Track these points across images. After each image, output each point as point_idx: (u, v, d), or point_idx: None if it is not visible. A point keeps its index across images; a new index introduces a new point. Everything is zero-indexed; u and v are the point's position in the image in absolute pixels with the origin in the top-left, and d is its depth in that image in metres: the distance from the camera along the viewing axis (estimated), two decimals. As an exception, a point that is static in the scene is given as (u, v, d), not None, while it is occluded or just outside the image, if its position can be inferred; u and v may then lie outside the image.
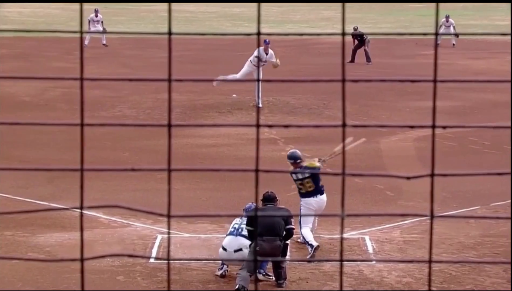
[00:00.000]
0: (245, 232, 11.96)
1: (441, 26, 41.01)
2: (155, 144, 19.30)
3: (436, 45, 2.63)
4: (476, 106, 25.12)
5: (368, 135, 20.27)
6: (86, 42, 38.12)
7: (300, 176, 12.94)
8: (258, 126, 2.37)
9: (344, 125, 2.25)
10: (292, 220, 12.08)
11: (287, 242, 12.01)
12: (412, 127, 2.20)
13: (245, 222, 12.03)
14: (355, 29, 35.36)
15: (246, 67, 24.35)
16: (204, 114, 23.60)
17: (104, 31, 37.41)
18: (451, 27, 40.66)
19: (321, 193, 13.04)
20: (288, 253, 12.44)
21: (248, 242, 11.91)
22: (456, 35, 40.28)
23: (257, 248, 11.36)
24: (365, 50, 34.51)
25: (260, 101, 24.28)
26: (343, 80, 2.31)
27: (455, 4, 60.29)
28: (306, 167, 12.98)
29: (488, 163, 18.25)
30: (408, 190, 15.85)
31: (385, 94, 26.55)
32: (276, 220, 11.93)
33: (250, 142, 19.86)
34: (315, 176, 12.83)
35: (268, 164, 17.47)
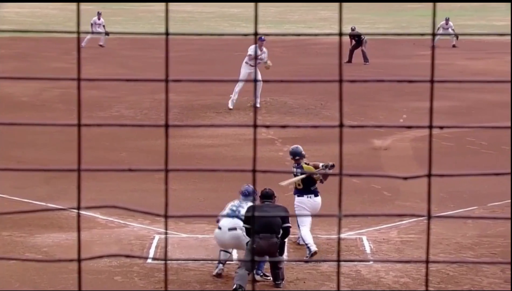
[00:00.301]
0: (242, 215, 11.96)
1: (439, 28, 40.94)
2: (153, 144, 19.29)
3: (433, 46, 2.63)
4: (474, 106, 25.13)
5: (366, 136, 20.29)
6: (83, 43, 38.14)
7: (294, 172, 13.13)
8: (255, 126, 2.38)
9: (341, 125, 2.25)
10: (289, 218, 12.10)
11: (284, 240, 12.01)
12: (409, 127, 2.20)
13: (242, 205, 12.09)
14: (352, 29, 35.36)
15: (243, 70, 24.37)
16: (202, 114, 23.59)
17: (106, 33, 37.43)
18: (450, 30, 40.56)
19: (315, 195, 13.08)
20: (286, 253, 12.44)
21: None
22: (456, 36, 40.16)
23: (254, 246, 11.34)
24: (362, 51, 34.52)
25: (258, 101, 24.29)
26: (340, 81, 2.31)
27: (453, 4, 60.34)
28: (302, 167, 13.13)
29: (485, 163, 18.26)
30: (406, 191, 15.85)
31: (382, 94, 26.55)
32: (273, 217, 11.93)
33: (248, 142, 19.85)
34: (305, 177, 12.99)
35: (266, 164, 17.46)
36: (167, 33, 2.14)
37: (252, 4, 68.26)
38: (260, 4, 70.57)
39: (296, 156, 13.22)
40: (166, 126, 2.21)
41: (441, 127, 2.24)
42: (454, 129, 21.07)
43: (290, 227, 12.02)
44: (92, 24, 39.40)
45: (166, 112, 2.28)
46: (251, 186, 11.67)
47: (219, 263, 12.13)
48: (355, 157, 18.21)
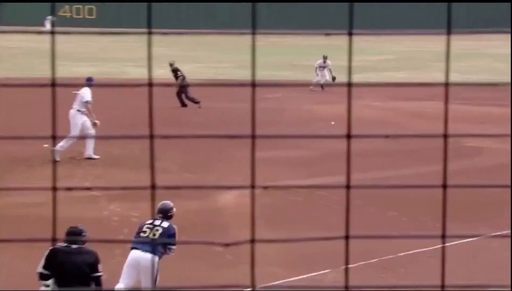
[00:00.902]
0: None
1: (316, 68, 41.81)
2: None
3: (254, 93, 2.64)
4: (323, 156, 25.77)
5: (205, 191, 20.33)
6: None
7: (155, 223, 13.09)
8: (54, 189, 2.30)
9: (153, 187, 2.22)
10: (100, 265, 11.40)
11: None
12: (229, 188, 2.19)
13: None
14: (170, 65, 35.43)
15: (78, 120, 24.19)
16: (11, 169, 22.94)
17: None
18: (327, 70, 41.42)
19: (153, 252, 13.03)
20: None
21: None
22: (333, 78, 40.77)
23: None
24: (188, 97, 34.94)
25: (92, 153, 24.19)
26: (151, 137, 2.28)
27: (310, 47, 62.04)
28: (169, 223, 13.14)
29: (337, 220, 18.65)
30: (249, 254, 15.94)
31: (225, 144, 26.82)
32: (80, 264, 11.03)
33: (70, 200, 19.45)
34: (165, 233, 13.01)
35: (89, 225, 17.12)
36: None
37: (72, 40, 67.79)
38: (82, 40, 70.21)
39: (167, 212, 13.31)
40: None
41: (265, 188, 2.24)
42: (305, 183, 21.49)
43: (101, 276, 11.33)
44: None
45: None
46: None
47: None
48: (196, 214, 18.21)
